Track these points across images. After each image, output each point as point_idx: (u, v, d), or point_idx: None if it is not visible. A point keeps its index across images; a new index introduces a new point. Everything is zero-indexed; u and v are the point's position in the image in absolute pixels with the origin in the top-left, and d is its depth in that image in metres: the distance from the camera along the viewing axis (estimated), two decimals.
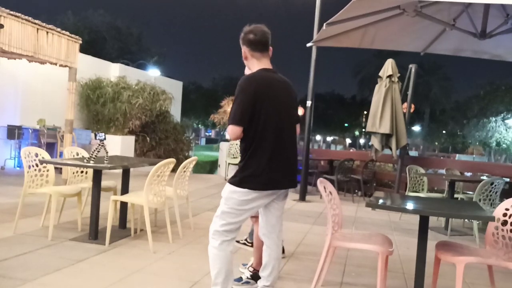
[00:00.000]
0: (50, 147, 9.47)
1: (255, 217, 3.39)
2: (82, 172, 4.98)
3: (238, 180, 2.65)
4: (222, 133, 34.48)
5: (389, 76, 7.54)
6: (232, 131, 2.60)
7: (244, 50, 2.79)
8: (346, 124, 55.91)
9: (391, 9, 4.80)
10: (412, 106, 8.62)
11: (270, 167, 2.65)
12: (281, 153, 2.71)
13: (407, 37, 6.08)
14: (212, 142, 50.06)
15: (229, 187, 2.69)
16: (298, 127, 2.96)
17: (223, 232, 2.69)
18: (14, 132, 9.29)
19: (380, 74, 7.71)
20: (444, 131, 47.31)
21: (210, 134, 67.36)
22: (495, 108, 34.06)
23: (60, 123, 9.58)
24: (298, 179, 8.68)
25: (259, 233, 2.99)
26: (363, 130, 48.42)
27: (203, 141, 56.94)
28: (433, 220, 6.20)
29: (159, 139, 12.20)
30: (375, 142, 7.70)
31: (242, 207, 2.67)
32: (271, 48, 2.81)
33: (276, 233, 2.88)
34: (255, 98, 2.61)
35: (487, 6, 4.74)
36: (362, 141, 59.03)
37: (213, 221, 2.74)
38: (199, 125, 56.29)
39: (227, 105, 12.74)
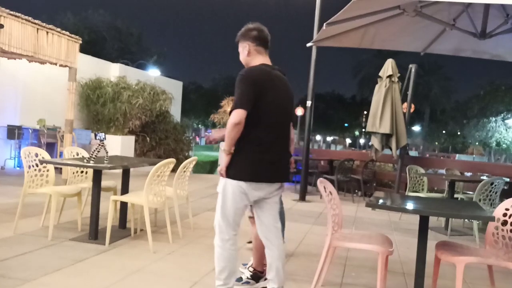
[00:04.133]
0: (50, 147, 9.46)
1: (253, 218, 3.38)
2: (82, 172, 4.98)
3: (230, 172, 2.67)
4: None
5: (389, 76, 7.54)
6: (238, 114, 2.53)
7: (247, 45, 2.77)
8: (346, 124, 55.90)
9: (391, 9, 4.80)
10: (412, 106, 8.62)
11: (262, 159, 2.66)
12: (275, 146, 2.71)
13: (407, 37, 6.08)
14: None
15: (223, 180, 2.73)
16: (291, 126, 2.95)
17: (224, 227, 2.71)
18: (14, 132, 9.29)
19: (380, 74, 7.71)
20: (444, 131, 47.30)
21: (210, 134, 67.26)
22: (495, 108, 34.06)
23: (60, 123, 9.58)
24: (299, 179, 8.77)
25: (259, 235, 2.99)
26: (363, 130, 48.40)
27: (203, 141, 56.87)
28: (433, 220, 6.20)
29: (159, 139, 12.20)
30: (375, 142, 7.70)
31: (235, 199, 2.68)
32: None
33: (273, 233, 2.85)
34: (255, 87, 2.61)
35: (487, 6, 4.74)
36: (362, 141, 59.00)
37: (215, 217, 2.79)
38: (199, 125, 56.24)
39: (227, 105, 12.74)
